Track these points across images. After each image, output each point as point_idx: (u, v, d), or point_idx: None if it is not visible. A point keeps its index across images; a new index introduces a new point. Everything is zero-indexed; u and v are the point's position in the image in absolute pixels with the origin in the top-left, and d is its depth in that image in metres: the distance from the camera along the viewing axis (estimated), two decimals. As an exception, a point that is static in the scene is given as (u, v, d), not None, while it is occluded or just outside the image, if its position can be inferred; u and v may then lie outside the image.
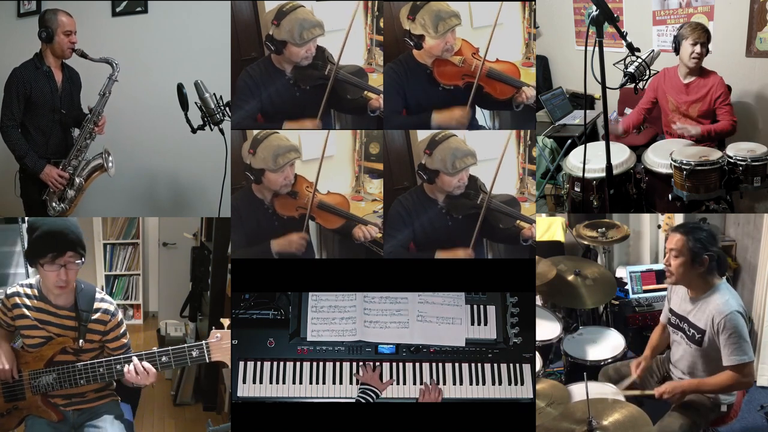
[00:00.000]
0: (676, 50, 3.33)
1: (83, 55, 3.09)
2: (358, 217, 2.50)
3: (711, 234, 2.52)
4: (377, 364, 2.45)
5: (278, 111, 2.51)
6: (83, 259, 2.37)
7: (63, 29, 3.06)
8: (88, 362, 2.38)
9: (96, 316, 2.41)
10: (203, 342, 2.36)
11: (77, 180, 3.15)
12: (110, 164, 3.17)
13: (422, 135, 2.51)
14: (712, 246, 2.49)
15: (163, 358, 2.35)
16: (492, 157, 2.51)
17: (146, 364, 2.34)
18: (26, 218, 2.40)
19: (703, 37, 3.24)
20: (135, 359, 2.34)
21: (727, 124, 3.32)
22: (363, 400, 2.36)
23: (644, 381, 2.75)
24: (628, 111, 4.02)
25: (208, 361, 2.35)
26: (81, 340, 2.38)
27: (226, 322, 2.40)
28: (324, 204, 2.50)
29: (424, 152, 2.48)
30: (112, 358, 2.39)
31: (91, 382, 2.39)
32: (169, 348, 2.35)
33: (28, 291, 2.43)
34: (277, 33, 2.47)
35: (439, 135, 2.49)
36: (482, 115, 2.58)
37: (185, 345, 2.36)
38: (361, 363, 2.45)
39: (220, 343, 2.35)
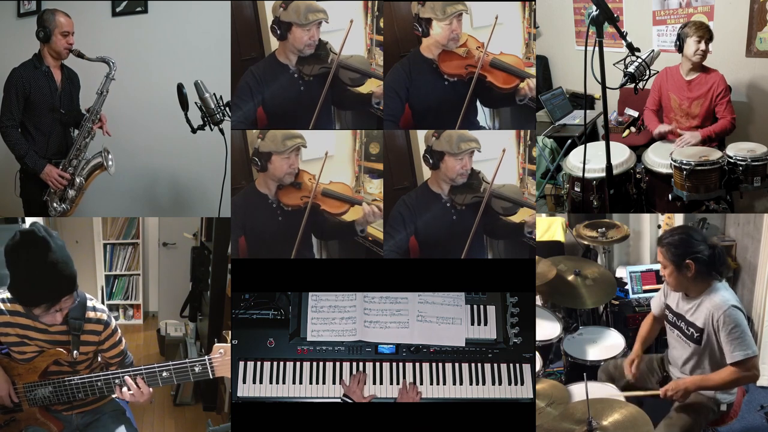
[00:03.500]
0: (680, 48, 3.34)
1: (80, 55, 3.09)
2: (360, 200, 2.52)
3: (689, 237, 2.48)
4: (363, 368, 2.45)
5: (281, 105, 2.53)
6: (77, 294, 2.25)
7: (61, 30, 3.05)
8: (86, 378, 2.30)
9: (90, 327, 2.32)
10: (206, 358, 2.29)
11: (77, 179, 3.15)
12: (110, 162, 3.16)
13: (422, 135, 2.52)
14: (694, 248, 2.45)
15: (164, 374, 2.27)
16: (492, 158, 2.51)
17: (140, 383, 2.25)
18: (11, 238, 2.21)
19: (707, 34, 3.28)
20: (128, 379, 2.25)
21: (726, 122, 3.33)
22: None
23: (644, 381, 2.75)
24: (628, 111, 4.03)
25: (211, 377, 2.29)
26: (75, 352, 2.29)
27: (228, 335, 2.35)
28: (327, 191, 2.52)
29: (433, 136, 2.50)
30: (110, 373, 2.30)
31: (89, 396, 2.32)
32: (170, 363, 2.28)
33: (9, 306, 2.28)
34: (284, 15, 2.50)
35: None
36: (483, 115, 2.59)
37: (187, 361, 2.28)
38: (355, 366, 2.45)
39: (223, 358, 2.28)
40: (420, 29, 2.54)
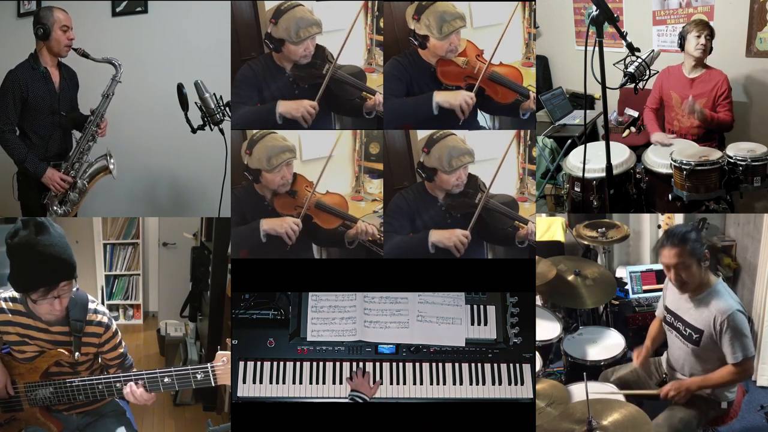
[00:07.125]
0: (681, 46, 3.35)
1: (85, 55, 3.04)
2: (354, 217, 2.51)
3: (695, 228, 2.55)
4: (362, 365, 2.45)
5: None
6: (76, 281, 2.24)
7: (60, 25, 2.99)
8: (87, 380, 2.29)
9: (90, 329, 2.32)
10: (208, 365, 2.28)
11: (80, 182, 3.11)
12: (112, 166, 3.15)
13: (422, 135, 2.52)
14: (703, 238, 2.52)
15: (166, 379, 2.27)
16: (492, 157, 2.51)
17: (141, 392, 2.27)
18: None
19: (707, 29, 3.30)
20: (131, 386, 2.27)
21: (728, 116, 3.34)
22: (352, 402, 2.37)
23: (643, 383, 2.75)
24: (628, 111, 4.02)
25: (213, 385, 2.28)
26: (77, 353, 2.29)
27: (229, 342, 2.34)
28: (321, 204, 2.50)
29: (423, 150, 2.49)
30: (111, 377, 2.30)
31: (90, 398, 2.32)
32: (173, 369, 2.28)
33: (11, 305, 2.27)
34: (275, 31, 2.48)
35: (437, 134, 2.49)
36: (483, 116, 2.59)
37: (189, 368, 2.27)
38: (355, 366, 2.45)
39: (225, 367, 2.28)
40: (416, 42, 2.52)
